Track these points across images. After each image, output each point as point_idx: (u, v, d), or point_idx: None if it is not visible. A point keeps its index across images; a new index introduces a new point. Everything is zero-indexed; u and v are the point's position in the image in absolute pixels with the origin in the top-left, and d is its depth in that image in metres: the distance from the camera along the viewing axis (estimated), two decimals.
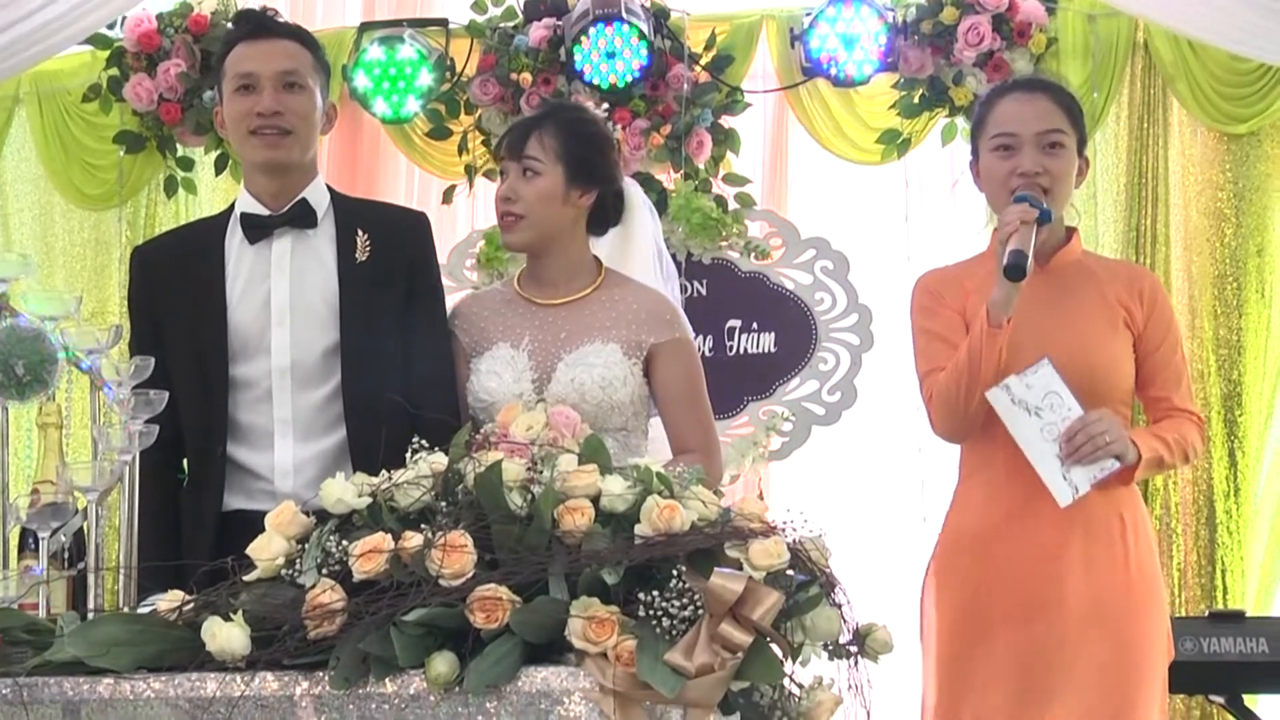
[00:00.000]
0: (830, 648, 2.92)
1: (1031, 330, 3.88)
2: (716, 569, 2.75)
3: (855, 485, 6.88)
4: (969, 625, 3.97)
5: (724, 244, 6.71)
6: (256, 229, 3.99)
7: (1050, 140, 3.99)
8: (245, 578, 2.94)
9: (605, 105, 6.47)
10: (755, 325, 6.72)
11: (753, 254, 6.71)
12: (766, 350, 6.72)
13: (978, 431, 3.96)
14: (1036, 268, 3.91)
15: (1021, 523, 3.92)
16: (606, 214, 4.11)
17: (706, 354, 6.55)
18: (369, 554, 2.83)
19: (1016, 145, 3.99)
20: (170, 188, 7.02)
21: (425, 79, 6.68)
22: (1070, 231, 4.12)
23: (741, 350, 6.71)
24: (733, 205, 6.74)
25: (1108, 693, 3.87)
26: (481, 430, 3.25)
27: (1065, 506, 3.84)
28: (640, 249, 4.70)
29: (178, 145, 7.00)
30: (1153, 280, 4.22)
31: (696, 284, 6.70)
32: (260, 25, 4.07)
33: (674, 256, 6.53)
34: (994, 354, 3.83)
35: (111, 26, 6.82)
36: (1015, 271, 3.78)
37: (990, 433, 3.93)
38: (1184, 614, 6.17)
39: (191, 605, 2.93)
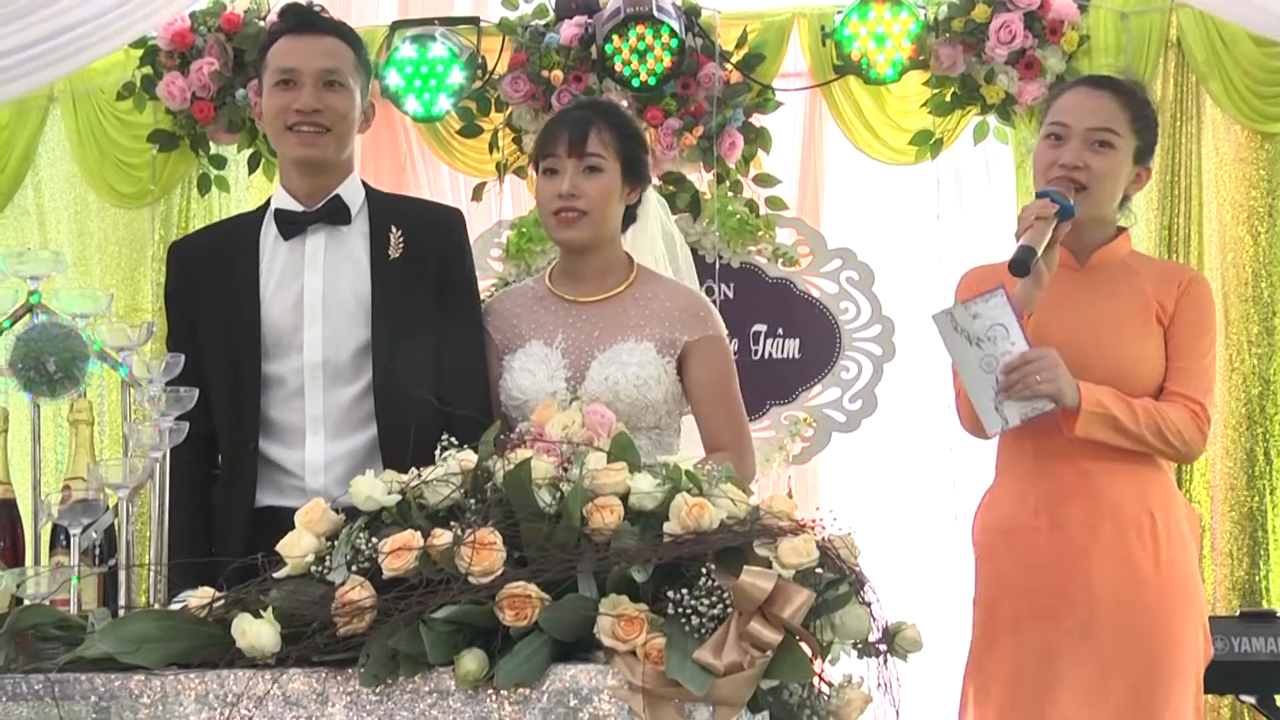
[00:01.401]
0: (859, 646, 2.92)
1: (1064, 326, 3.88)
2: (746, 567, 2.75)
3: (887, 484, 6.88)
4: (997, 619, 3.98)
5: (753, 249, 6.72)
6: (291, 225, 4.00)
7: (1099, 138, 3.97)
8: (275, 574, 2.95)
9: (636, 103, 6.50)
10: (781, 331, 6.76)
11: (780, 260, 6.72)
12: (791, 356, 6.75)
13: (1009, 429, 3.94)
14: (1075, 264, 3.90)
15: (1049, 519, 3.92)
16: (634, 211, 4.12)
17: (732, 357, 6.56)
18: (398, 551, 2.84)
19: (1065, 136, 3.98)
20: (203, 186, 7.03)
21: (457, 77, 6.68)
22: (1119, 231, 4.10)
23: (766, 355, 6.74)
24: (764, 209, 6.74)
25: (1135, 691, 3.86)
26: (516, 429, 3.26)
27: (991, 434, 3.88)
28: (651, 237, 4.70)
29: (211, 143, 7.01)
30: (1191, 277, 4.15)
31: (724, 287, 6.71)
32: (305, 20, 4.08)
33: (704, 259, 6.58)
34: None
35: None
36: (1018, 267, 3.78)
37: (1019, 432, 3.92)
38: (1217, 613, 6.15)
39: (222, 602, 2.94)
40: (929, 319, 3.94)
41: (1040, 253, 3.80)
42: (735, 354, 6.47)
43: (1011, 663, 3.93)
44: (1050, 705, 3.87)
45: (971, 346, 3.84)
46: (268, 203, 4.10)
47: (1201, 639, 4.00)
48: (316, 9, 4.19)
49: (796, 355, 6.75)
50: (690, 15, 6.66)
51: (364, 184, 4.12)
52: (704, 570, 2.76)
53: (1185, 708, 3.92)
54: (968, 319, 3.84)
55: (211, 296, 3.99)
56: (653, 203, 4.54)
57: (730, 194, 6.70)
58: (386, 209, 4.08)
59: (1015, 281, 3.86)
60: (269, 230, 4.03)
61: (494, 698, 2.74)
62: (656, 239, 4.86)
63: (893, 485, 6.88)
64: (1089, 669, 3.86)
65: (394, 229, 4.00)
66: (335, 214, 4.00)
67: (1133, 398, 3.89)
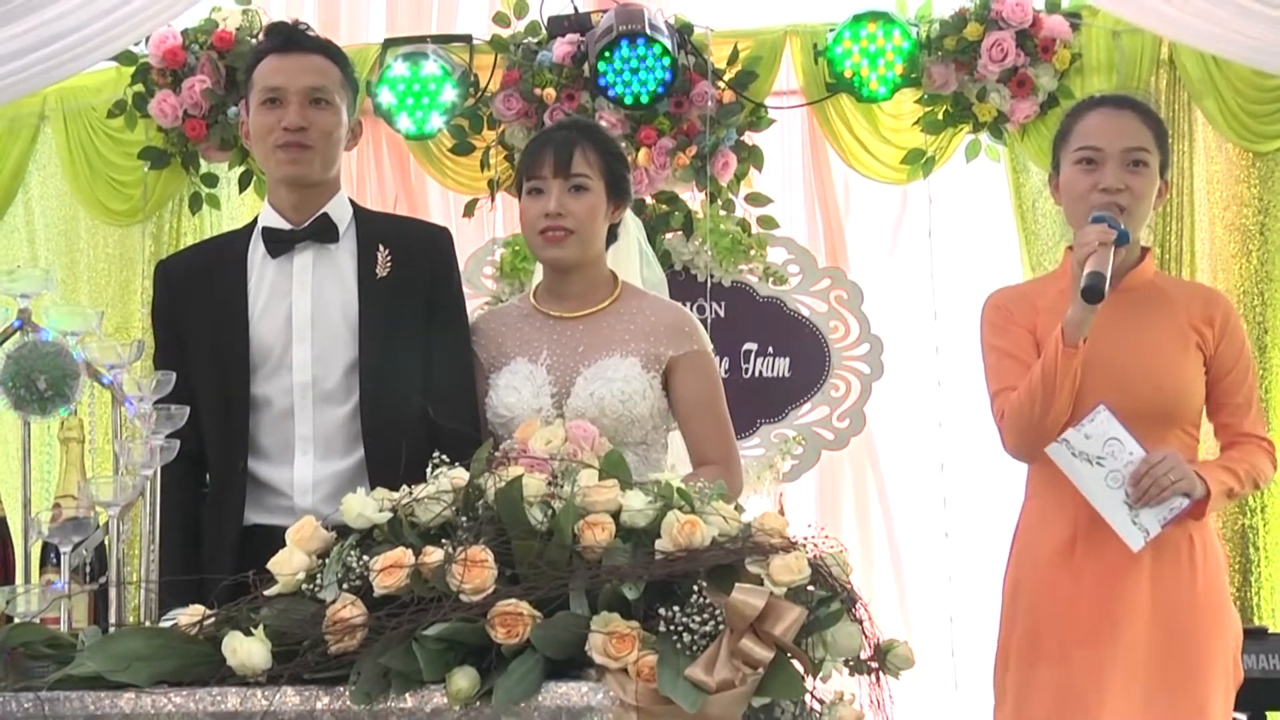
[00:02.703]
0: (851, 663, 2.92)
1: (1104, 350, 3.86)
2: (737, 584, 2.74)
3: (878, 502, 6.89)
4: (1040, 647, 3.94)
5: (745, 268, 6.73)
6: (278, 243, 3.99)
7: (1135, 158, 3.97)
8: (266, 592, 2.95)
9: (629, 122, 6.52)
10: (771, 349, 6.78)
11: (771, 279, 6.73)
12: (781, 374, 6.77)
13: None
14: (1110, 289, 3.91)
15: (1090, 541, 3.90)
16: (615, 229, 4.14)
17: (723, 376, 6.55)
18: (389, 569, 2.83)
19: (1100, 160, 3.97)
20: (195, 204, 7.03)
21: (449, 95, 6.68)
22: (1144, 252, 4.09)
23: (757, 373, 6.76)
24: (755, 228, 6.75)
25: (1175, 711, 3.86)
26: (501, 446, 3.26)
27: (1137, 550, 3.83)
28: (625, 249, 4.71)
29: (202, 161, 7.01)
30: (1227, 304, 4.17)
31: (715, 305, 6.73)
32: (291, 39, 4.07)
33: (695, 277, 6.60)
34: (1070, 374, 3.82)
35: (137, 43, 6.83)
36: (1093, 294, 3.75)
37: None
38: None
39: (212, 620, 2.93)
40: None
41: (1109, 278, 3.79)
42: (726, 372, 6.56)
43: (1056, 690, 3.90)
44: None
45: (1093, 467, 3.83)
46: (255, 221, 4.10)
47: (1233, 661, 4.01)
48: (303, 27, 4.18)
49: (787, 374, 6.77)
50: (683, 33, 6.67)
51: (351, 202, 4.12)
52: (696, 587, 2.76)
53: None
54: (1081, 441, 3.82)
55: (199, 315, 3.98)
56: (629, 221, 4.55)
57: (723, 213, 6.70)
58: (374, 227, 4.08)
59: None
60: (257, 248, 4.03)
61: (486, 716, 2.73)
62: (633, 256, 4.88)
63: (884, 503, 6.88)
64: (1135, 694, 3.84)
65: (382, 247, 4.00)
66: (323, 232, 4.00)
67: (1190, 428, 3.96)
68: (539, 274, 4.22)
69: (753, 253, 6.72)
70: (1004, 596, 4.08)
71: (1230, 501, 4.05)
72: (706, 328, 5.63)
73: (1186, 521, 3.90)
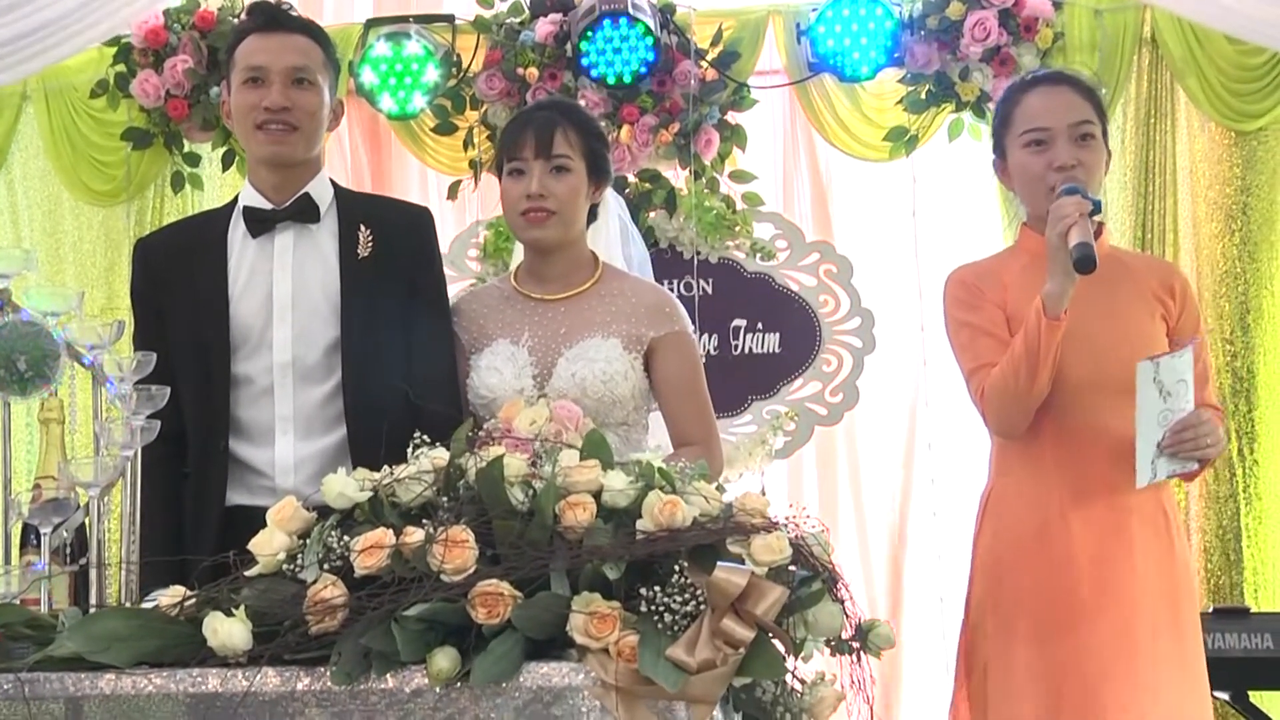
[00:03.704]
0: (833, 643, 2.92)
1: (1078, 322, 3.85)
2: (719, 563, 2.74)
3: (865, 480, 6.89)
4: (1033, 620, 3.92)
5: (731, 244, 6.72)
6: (259, 223, 3.98)
7: (1082, 132, 3.98)
8: (247, 573, 2.95)
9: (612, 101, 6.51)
10: (760, 325, 6.75)
11: (759, 254, 6.72)
12: (771, 350, 6.74)
13: None
14: None
15: (1080, 514, 3.90)
16: (595, 209, 4.13)
17: (712, 353, 6.60)
18: (370, 549, 2.83)
19: (1049, 139, 3.98)
20: (177, 184, 7.01)
21: (431, 75, 6.68)
22: (1099, 225, 4.10)
23: (746, 350, 6.73)
24: (740, 205, 6.74)
25: (1179, 684, 3.88)
26: (484, 426, 3.26)
27: (1140, 487, 3.83)
28: (606, 225, 4.70)
29: (185, 141, 7.00)
30: (1184, 277, 4.21)
31: (703, 282, 6.71)
32: (273, 18, 4.06)
33: (681, 255, 6.59)
34: (1053, 347, 3.81)
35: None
36: (1086, 263, 3.73)
37: (1036, 427, 3.92)
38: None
39: (193, 600, 2.93)
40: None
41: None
42: (715, 350, 6.56)
43: (1050, 667, 3.88)
44: (1100, 707, 3.83)
45: (1159, 398, 3.82)
46: (235, 200, 4.09)
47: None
48: (285, 7, 4.17)
49: (777, 349, 6.75)
50: (665, 12, 6.66)
51: (332, 182, 4.11)
52: (677, 567, 2.76)
53: (1208, 695, 3.99)
54: (1169, 370, 3.82)
55: (179, 293, 3.97)
56: (609, 198, 4.55)
57: (706, 190, 6.69)
58: (355, 207, 4.07)
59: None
60: (237, 228, 4.02)
61: (467, 696, 2.73)
62: (613, 235, 4.88)
63: (871, 481, 6.88)
64: (1136, 666, 3.84)
65: (363, 227, 3.99)
66: (304, 212, 3.99)
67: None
68: (518, 255, 4.21)
69: (738, 229, 6.70)
70: (976, 575, 4.07)
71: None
72: (694, 305, 5.65)
73: (1158, 494, 3.94)
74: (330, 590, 2.81)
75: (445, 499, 2.93)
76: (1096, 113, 4.04)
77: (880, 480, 6.89)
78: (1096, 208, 3.86)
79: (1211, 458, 3.88)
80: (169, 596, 2.96)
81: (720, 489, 3.00)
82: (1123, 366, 3.84)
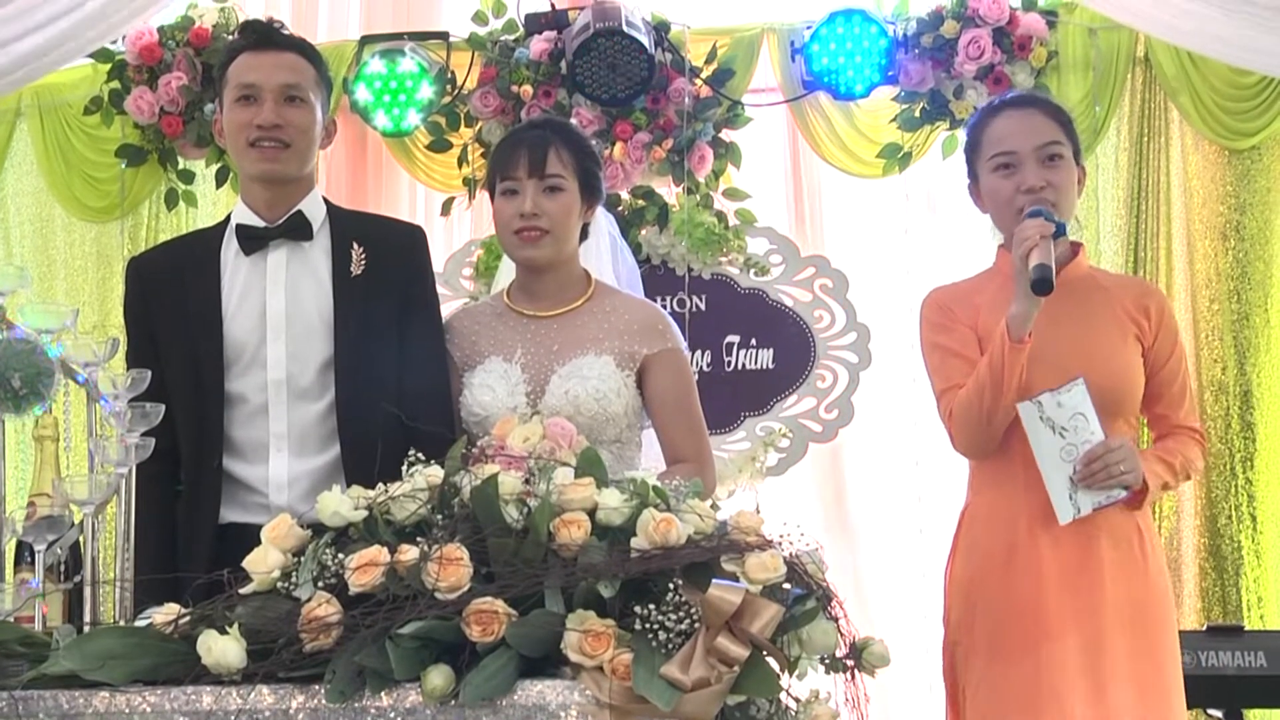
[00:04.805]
0: (827, 661, 2.92)
1: (1047, 344, 3.87)
2: (714, 581, 2.74)
3: (853, 499, 6.88)
4: (1007, 639, 3.92)
5: (724, 260, 6.71)
6: (252, 240, 3.99)
7: (1050, 153, 4.00)
8: (241, 590, 2.94)
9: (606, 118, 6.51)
10: (754, 341, 6.72)
11: (752, 270, 6.71)
12: (765, 367, 6.71)
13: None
14: None
15: (1050, 534, 3.90)
16: (587, 227, 4.14)
17: (705, 369, 6.58)
18: (365, 567, 2.83)
19: (1017, 162, 4.00)
20: (171, 201, 7.02)
21: (426, 92, 6.68)
22: (1075, 246, 4.11)
23: (740, 366, 6.71)
24: (733, 221, 6.74)
25: (1145, 699, 3.87)
26: (478, 444, 3.26)
27: (1064, 524, 3.84)
28: (597, 243, 4.71)
29: (179, 158, 7.00)
30: (1160, 296, 4.21)
31: (696, 299, 6.70)
32: (265, 36, 4.07)
33: (674, 271, 6.58)
34: (1016, 369, 3.82)
35: (113, 40, 6.82)
36: (1043, 285, 3.75)
37: (1006, 447, 3.93)
38: (1185, 628, 6.15)
39: (187, 618, 2.93)
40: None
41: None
42: (708, 366, 6.54)
43: (1026, 684, 3.87)
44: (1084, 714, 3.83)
45: (1054, 435, 3.84)
46: (228, 218, 4.09)
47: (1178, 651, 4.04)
48: (277, 25, 4.17)
49: (770, 365, 6.72)
50: (660, 30, 6.66)
51: (325, 200, 4.11)
52: (671, 585, 2.76)
53: (1184, 712, 3.98)
54: (1054, 407, 3.84)
55: (172, 312, 3.97)
56: (600, 217, 4.55)
57: (699, 207, 6.69)
58: (348, 225, 4.08)
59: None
60: (230, 245, 4.02)
61: (460, 714, 2.73)
62: (604, 252, 4.89)
63: (858, 500, 6.88)
64: (1104, 683, 3.84)
65: (356, 245, 4.00)
66: (297, 229, 3.99)
67: (1133, 418, 3.98)
68: (504, 272, 4.21)
69: (730, 244, 6.69)
70: (951, 594, 4.08)
71: (1163, 494, 4.06)
72: (687, 321, 5.64)
73: (1133, 513, 3.94)
74: (325, 608, 2.81)
75: (440, 516, 2.93)
76: (1065, 133, 4.05)
77: (866, 498, 6.88)
78: (1060, 230, 3.88)
79: (1131, 484, 3.86)
80: (163, 614, 2.96)
81: (715, 506, 3.00)
82: (1094, 388, 3.85)
